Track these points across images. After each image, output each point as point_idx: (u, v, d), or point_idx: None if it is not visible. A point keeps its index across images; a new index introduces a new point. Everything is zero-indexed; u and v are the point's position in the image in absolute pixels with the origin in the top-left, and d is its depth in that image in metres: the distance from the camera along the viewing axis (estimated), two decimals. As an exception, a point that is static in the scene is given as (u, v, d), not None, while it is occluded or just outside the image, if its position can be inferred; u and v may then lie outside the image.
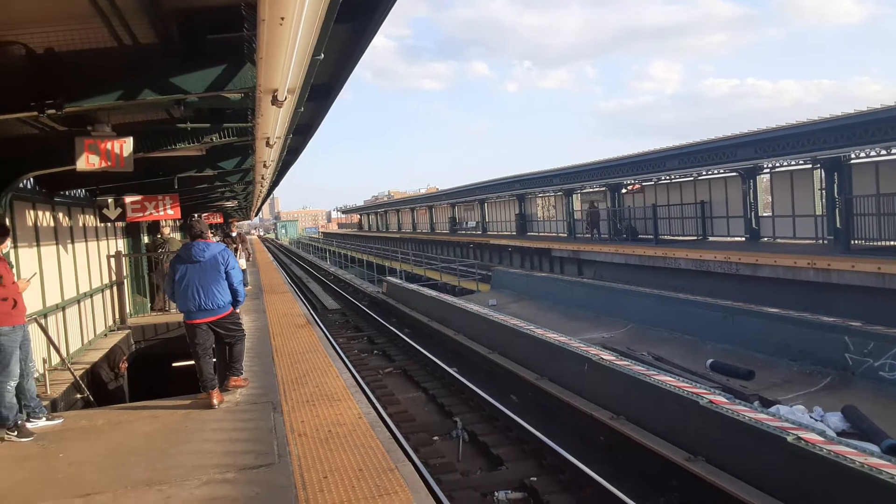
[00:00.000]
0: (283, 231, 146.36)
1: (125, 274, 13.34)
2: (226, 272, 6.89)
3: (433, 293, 20.84)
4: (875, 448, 7.24)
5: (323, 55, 4.20)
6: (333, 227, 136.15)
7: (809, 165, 20.36)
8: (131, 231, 15.32)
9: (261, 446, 5.66)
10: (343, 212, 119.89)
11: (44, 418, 6.61)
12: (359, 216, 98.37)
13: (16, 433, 6.12)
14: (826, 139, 17.43)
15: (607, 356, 10.07)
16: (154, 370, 12.35)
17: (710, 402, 7.42)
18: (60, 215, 10.46)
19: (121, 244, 14.68)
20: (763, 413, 7.19)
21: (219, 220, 28.48)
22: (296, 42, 3.36)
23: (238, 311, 7.40)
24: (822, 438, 6.21)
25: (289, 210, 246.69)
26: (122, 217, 11.56)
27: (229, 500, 4.60)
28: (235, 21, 3.80)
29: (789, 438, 6.20)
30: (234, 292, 7.02)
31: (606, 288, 18.94)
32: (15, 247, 8.21)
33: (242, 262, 17.26)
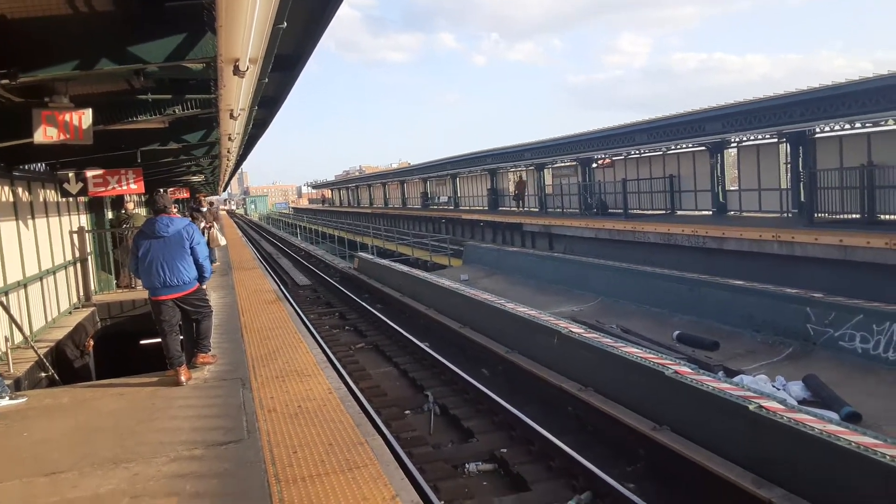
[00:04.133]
0: (253, 206, 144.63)
1: (89, 250, 13.07)
2: (191, 247, 6.77)
3: (405, 268, 20.81)
4: (834, 416, 7.46)
5: (286, 24, 4.09)
6: (304, 203, 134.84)
7: (775, 140, 20.64)
8: (94, 206, 14.99)
9: (229, 422, 5.64)
10: (314, 187, 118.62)
11: (7, 397, 6.51)
12: (330, 191, 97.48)
13: (-23, 413, 6.01)
14: (791, 113, 17.66)
15: (576, 329, 10.18)
16: (121, 348, 12.19)
17: (676, 372, 7.55)
18: (20, 190, 10.16)
19: (84, 220, 14.35)
20: (726, 383, 7.34)
21: (185, 195, 28.02)
22: (255, 9, 3.27)
23: (205, 287, 7.30)
24: (782, 407, 6.36)
25: (258, 185, 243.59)
26: (83, 192, 11.28)
27: (197, 476, 4.58)
28: (195, -14, 3.69)
29: (751, 407, 6.34)
30: (199, 268, 6.92)
31: (577, 262, 19.10)
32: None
33: (222, 239, 17.01)
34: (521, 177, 36.02)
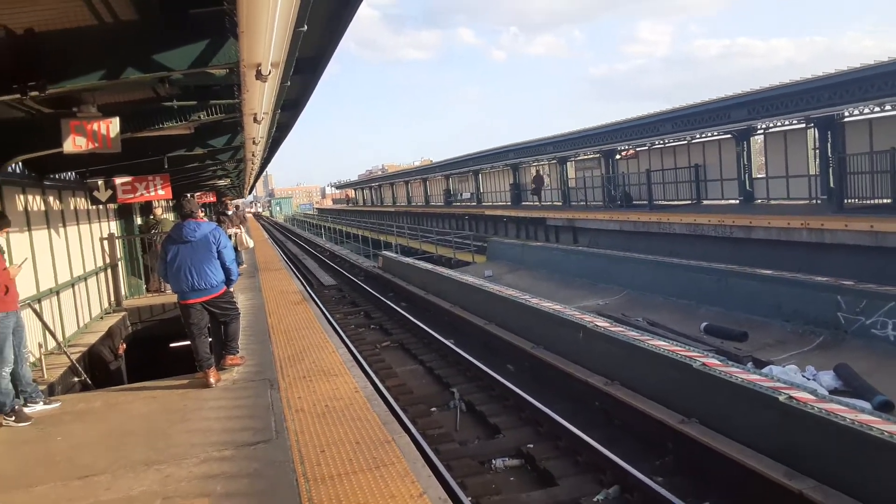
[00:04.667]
0: (278, 208, 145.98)
1: (119, 256, 13.33)
2: (218, 251, 6.88)
3: (429, 266, 20.87)
4: (866, 405, 7.35)
5: (306, 27, 4.14)
6: (328, 203, 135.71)
7: (803, 125, 20.32)
8: (123, 213, 15.27)
9: (258, 423, 5.72)
10: (337, 187, 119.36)
11: (41, 402, 6.65)
12: (353, 191, 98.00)
13: (13, 418, 6.16)
14: (819, 97, 17.36)
15: (602, 323, 10.13)
16: (151, 351, 12.40)
17: (704, 364, 7.48)
18: (51, 199, 10.41)
19: (113, 226, 14.63)
20: (755, 374, 7.27)
21: (212, 199, 28.37)
22: (276, 13, 3.31)
23: (232, 289, 7.41)
24: (813, 397, 6.28)
25: (283, 187, 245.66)
26: (112, 199, 11.50)
27: (227, 476, 4.65)
28: (217, -7, 3.75)
29: (781, 398, 6.27)
30: (226, 271, 7.02)
31: (601, 255, 19.00)
32: (6, 232, 8.18)
33: (250, 242, 17.20)
34: (537, 171, 36.68)
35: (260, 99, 5.84)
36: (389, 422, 5.54)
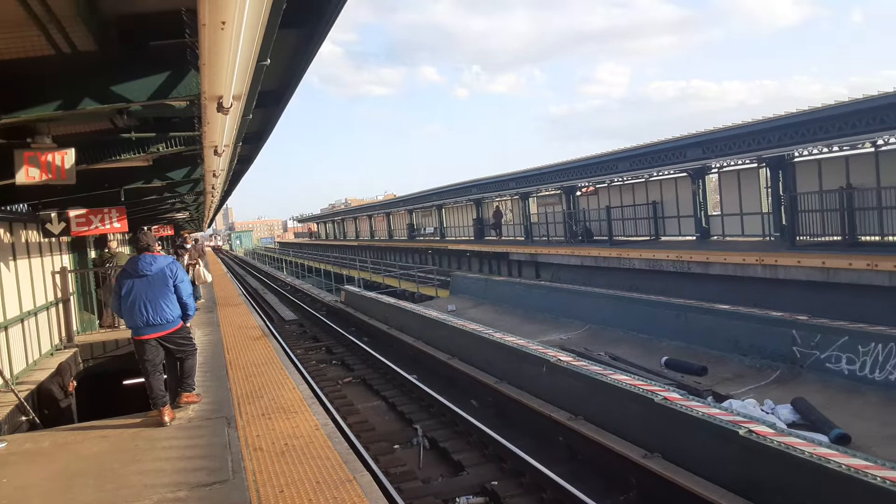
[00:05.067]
0: (238, 241, 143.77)
1: (71, 290, 12.93)
2: (174, 285, 6.70)
3: (392, 300, 20.74)
4: (824, 438, 7.47)
5: (269, 61, 4.13)
6: (290, 237, 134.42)
7: (755, 164, 20.93)
8: (77, 246, 14.86)
9: (214, 462, 5.54)
10: (299, 221, 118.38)
11: (-15, 443, 6.35)
12: (315, 225, 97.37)
13: (-45, 459, 5.87)
14: (770, 138, 17.94)
15: (565, 357, 10.15)
16: (104, 388, 11.99)
17: (665, 398, 7.54)
18: (1, 231, 10.07)
19: (66, 260, 14.22)
20: (716, 408, 7.34)
21: (170, 232, 27.88)
22: (238, 47, 3.29)
23: (189, 325, 7.23)
24: (772, 431, 6.36)
25: (244, 220, 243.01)
26: (66, 231, 11.18)
27: (182, 519, 4.48)
28: (177, 27, 3.70)
29: (741, 432, 6.33)
30: (183, 306, 6.84)
31: (564, 290, 19.14)
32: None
33: (208, 276, 16.87)
34: (497, 207, 37.32)
35: (221, 131, 5.77)
36: (351, 460, 5.43)
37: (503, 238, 36.02)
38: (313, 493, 4.76)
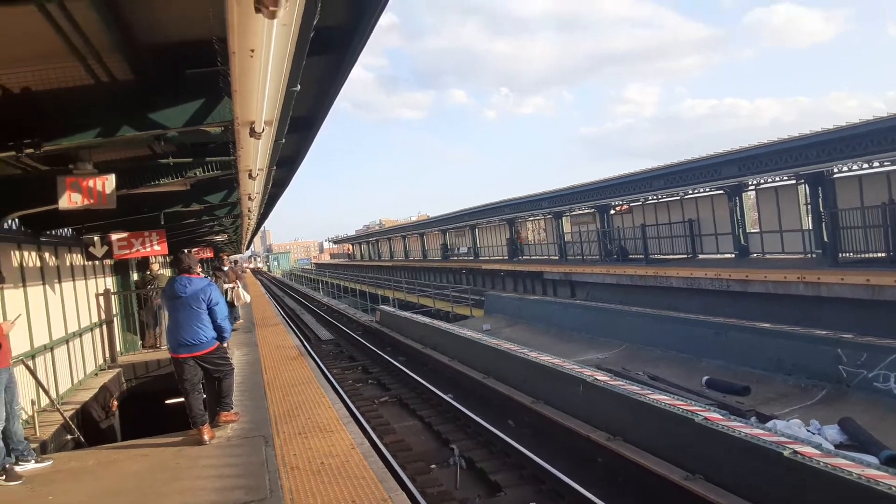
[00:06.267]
0: (276, 263, 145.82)
1: (114, 312, 13.24)
2: (209, 308, 6.81)
3: (426, 320, 20.75)
4: (873, 459, 7.20)
5: (300, 87, 4.22)
6: (326, 258, 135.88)
7: (793, 181, 20.55)
8: (120, 268, 15.25)
9: (252, 481, 5.59)
10: (335, 242, 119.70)
11: (32, 461, 6.51)
12: (350, 246, 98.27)
13: (4, 477, 6.04)
14: (808, 155, 17.62)
15: (602, 377, 10.02)
16: (147, 408, 12.20)
17: (706, 419, 7.37)
18: (47, 255, 10.40)
19: (109, 282, 14.59)
20: (759, 428, 7.14)
21: (209, 254, 28.39)
22: (268, 74, 3.37)
23: (226, 345, 7.33)
24: (818, 452, 6.16)
25: (281, 242, 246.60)
26: (108, 255, 11.49)
27: (219, 537, 4.51)
28: (210, 55, 3.82)
29: (786, 453, 6.15)
30: (218, 328, 6.94)
31: (599, 309, 18.93)
32: (1, 288, 8.14)
33: (246, 297, 17.08)
34: (517, 230, 39.12)
35: (254, 156, 5.90)
36: (386, 479, 5.42)
37: (532, 257, 36.64)
38: (348, 512, 4.76)
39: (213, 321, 6.87)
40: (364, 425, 10.84)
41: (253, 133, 4.44)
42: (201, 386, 7.11)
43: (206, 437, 6.83)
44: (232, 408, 7.54)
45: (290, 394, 9.07)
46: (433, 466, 9.38)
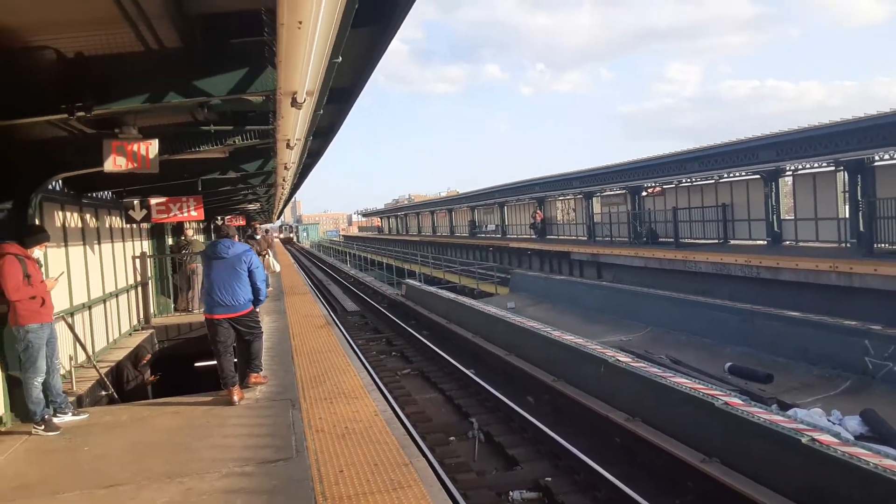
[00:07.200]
0: (305, 234, 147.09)
1: (150, 275, 13.60)
2: (249, 270, 7.07)
3: (452, 295, 20.93)
4: (893, 451, 7.20)
5: (341, 58, 4.31)
6: (354, 231, 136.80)
7: (832, 168, 20.15)
8: (156, 232, 15.62)
9: (279, 441, 5.80)
10: (364, 215, 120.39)
11: (70, 413, 6.80)
12: (379, 219, 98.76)
13: (43, 427, 6.33)
14: (849, 141, 17.25)
15: (624, 358, 10.09)
16: (177, 369, 12.57)
17: (726, 403, 7.43)
18: (88, 216, 10.72)
19: (146, 245, 14.97)
20: (778, 415, 7.18)
21: (241, 222, 28.86)
22: (313, 45, 3.47)
23: (258, 309, 7.56)
24: (837, 440, 6.20)
25: (310, 213, 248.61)
26: (147, 218, 11.80)
27: (247, 492, 4.73)
28: (256, 25, 3.92)
29: (804, 440, 6.20)
30: (256, 290, 7.20)
31: (625, 291, 18.90)
32: (44, 247, 8.45)
33: (276, 266, 17.41)
34: (536, 209, 39.42)
35: (294, 126, 6.03)
36: (408, 445, 5.59)
37: (546, 237, 37.52)
38: (371, 474, 4.94)
39: (253, 283, 7.12)
40: (386, 395, 11.06)
41: (294, 103, 4.56)
42: (233, 348, 7.35)
43: (235, 397, 7.07)
44: (261, 369, 7.79)
45: (317, 361, 9.30)
46: (452, 438, 9.58)
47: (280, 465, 5.22)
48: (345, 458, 5.31)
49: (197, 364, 12.13)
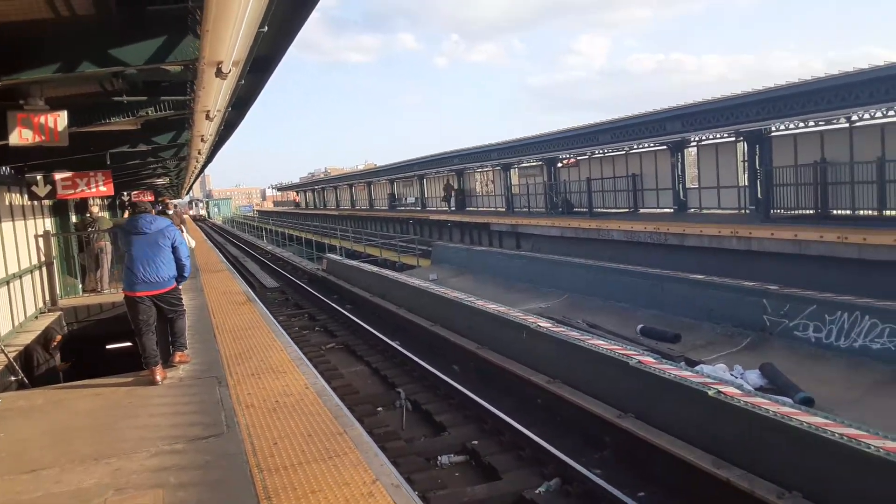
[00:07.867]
0: (216, 209, 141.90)
1: (54, 254, 12.93)
2: (172, 246, 6.88)
3: (374, 268, 20.94)
4: (789, 401, 7.84)
5: (267, 28, 4.25)
6: (269, 205, 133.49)
7: (733, 138, 21.28)
8: (59, 210, 14.82)
9: (208, 418, 5.74)
10: (278, 189, 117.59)
11: (-21, 400, 6.49)
12: (295, 193, 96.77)
13: (-49, 415, 6.02)
14: (748, 112, 18.27)
15: (544, 324, 10.46)
16: (88, 352, 12.08)
17: (639, 362, 7.87)
18: (-15, 194, 10.08)
19: (48, 223, 14.19)
20: (687, 371, 7.68)
21: (150, 197, 27.69)
22: (245, 14, 3.42)
23: (180, 286, 7.38)
24: (739, 392, 6.72)
25: (221, 188, 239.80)
26: (52, 195, 11.18)
27: (180, 468, 4.69)
28: (174, -9, 3.83)
29: (710, 392, 6.68)
30: (180, 267, 7.01)
31: (544, 260, 19.46)
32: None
33: (191, 241, 16.84)
34: (448, 180, 40.41)
35: (216, 96, 5.89)
36: (341, 416, 5.66)
37: (455, 209, 38.59)
38: (306, 444, 5.00)
39: (178, 259, 6.93)
40: (312, 370, 11.03)
41: (219, 73, 4.46)
42: (154, 327, 7.15)
43: (158, 377, 6.90)
44: (186, 348, 7.63)
45: (241, 337, 9.18)
46: (380, 409, 9.71)
47: (212, 441, 5.19)
48: (278, 430, 5.34)
49: (109, 346, 11.71)
